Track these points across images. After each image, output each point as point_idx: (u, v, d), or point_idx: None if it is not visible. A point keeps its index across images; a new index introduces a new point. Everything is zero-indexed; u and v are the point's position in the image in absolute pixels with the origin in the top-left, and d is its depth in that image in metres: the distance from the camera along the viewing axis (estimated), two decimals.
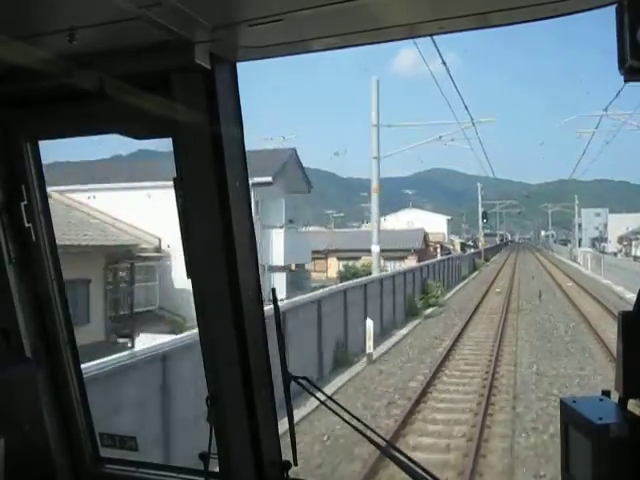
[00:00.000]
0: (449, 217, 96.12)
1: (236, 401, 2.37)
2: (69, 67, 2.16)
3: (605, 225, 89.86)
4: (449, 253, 68.27)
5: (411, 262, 51.54)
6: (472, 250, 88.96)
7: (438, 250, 70.27)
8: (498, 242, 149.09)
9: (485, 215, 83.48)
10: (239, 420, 2.39)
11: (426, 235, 64.43)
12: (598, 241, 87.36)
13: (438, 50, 23.75)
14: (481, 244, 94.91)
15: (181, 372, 10.47)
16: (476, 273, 64.33)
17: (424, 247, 62.24)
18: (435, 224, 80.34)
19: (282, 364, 2.41)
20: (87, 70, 2.17)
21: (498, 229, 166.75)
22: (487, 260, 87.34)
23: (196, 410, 7.43)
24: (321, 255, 55.73)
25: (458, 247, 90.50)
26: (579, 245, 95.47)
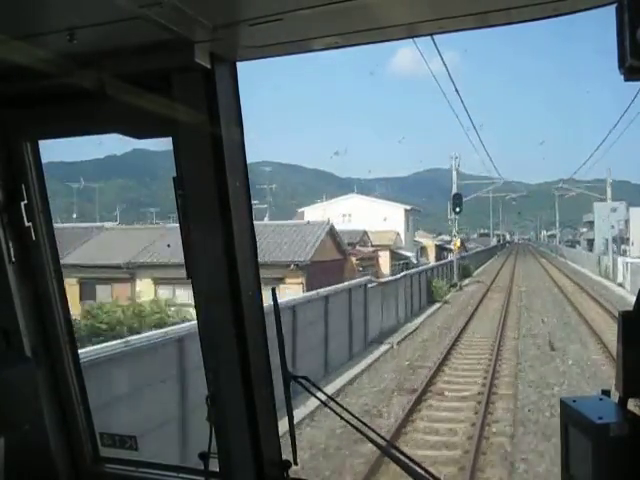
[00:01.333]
0: (408, 207, 61.20)
1: (236, 400, 2.37)
2: (69, 67, 2.15)
3: (626, 222, 65.71)
4: (407, 265, 42.58)
5: (294, 288, 25.24)
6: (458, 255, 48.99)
7: (383, 261, 43.16)
8: (494, 243, 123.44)
9: (459, 201, 44.43)
10: (239, 419, 2.39)
11: (336, 235, 34.66)
12: (617, 242, 62.79)
13: (438, 50, 23.55)
14: (455, 247, 47.30)
15: None
16: (420, 320, 28.30)
17: (342, 257, 34.93)
18: (385, 217, 52.01)
19: (282, 364, 2.41)
20: (87, 70, 2.17)
21: (492, 227, 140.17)
22: (467, 275, 50.36)
23: None
24: (124, 274, 29.37)
25: (432, 253, 60.16)
26: (589, 247, 76.96)
